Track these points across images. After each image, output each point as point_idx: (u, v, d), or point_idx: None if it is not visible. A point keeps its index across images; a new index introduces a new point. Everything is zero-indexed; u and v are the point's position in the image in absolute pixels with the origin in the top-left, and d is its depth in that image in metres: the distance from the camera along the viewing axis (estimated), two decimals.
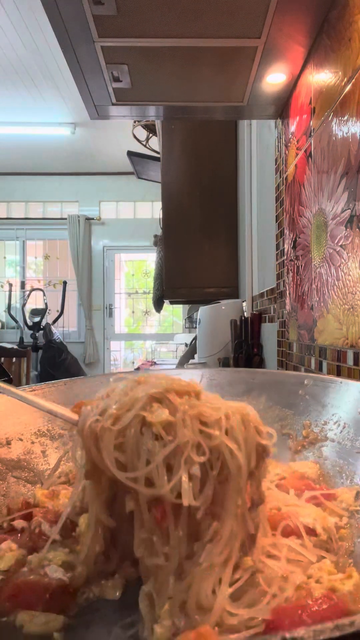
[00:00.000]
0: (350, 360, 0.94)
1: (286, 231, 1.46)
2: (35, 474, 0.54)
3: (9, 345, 3.87)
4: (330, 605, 0.35)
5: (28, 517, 0.48)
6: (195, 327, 2.84)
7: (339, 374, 1.00)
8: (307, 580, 0.38)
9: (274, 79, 1.32)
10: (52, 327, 6.03)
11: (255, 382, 0.60)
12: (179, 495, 0.37)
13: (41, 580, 0.42)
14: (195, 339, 2.81)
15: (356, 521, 0.44)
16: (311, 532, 0.43)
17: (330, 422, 0.53)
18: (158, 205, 3.50)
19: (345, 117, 0.94)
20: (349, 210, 0.92)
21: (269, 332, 1.80)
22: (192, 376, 0.63)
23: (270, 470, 0.51)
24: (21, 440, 0.55)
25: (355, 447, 0.48)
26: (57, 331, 6.15)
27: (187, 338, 4.04)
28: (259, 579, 0.39)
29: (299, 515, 0.43)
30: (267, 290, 1.83)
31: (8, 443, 0.52)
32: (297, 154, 1.32)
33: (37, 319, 5.86)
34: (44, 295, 6.05)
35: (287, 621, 0.34)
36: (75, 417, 0.44)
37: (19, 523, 0.48)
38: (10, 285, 6.33)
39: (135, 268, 7.08)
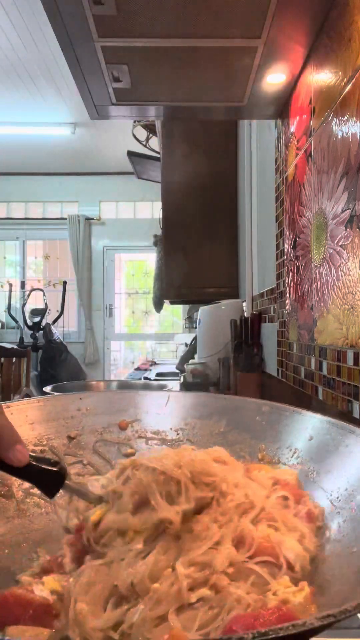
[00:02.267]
0: (350, 360, 0.94)
1: (286, 231, 1.46)
2: (9, 489, 0.55)
3: (9, 345, 3.87)
4: (280, 614, 0.38)
5: None
6: (195, 327, 2.84)
7: (339, 374, 1.00)
8: (261, 597, 0.42)
9: (274, 79, 1.32)
10: (52, 327, 6.02)
11: (217, 406, 0.64)
12: None
13: (27, 595, 0.43)
14: (195, 339, 2.81)
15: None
16: (290, 567, 0.45)
17: (283, 446, 0.57)
18: (158, 205, 3.50)
19: (345, 117, 0.94)
20: (349, 210, 0.92)
21: (269, 332, 1.80)
22: (158, 398, 0.69)
23: (264, 473, 0.53)
24: None
25: (304, 472, 0.53)
26: (57, 331, 6.15)
27: (187, 338, 4.04)
28: (211, 601, 0.42)
29: (283, 547, 0.45)
30: (267, 290, 1.83)
31: None
32: (297, 154, 1.32)
33: (37, 319, 5.86)
34: (44, 295, 6.05)
35: (240, 629, 0.38)
36: None
37: None
38: (10, 285, 6.33)
39: (135, 268, 7.08)
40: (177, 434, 0.65)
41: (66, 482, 0.50)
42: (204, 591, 0.42)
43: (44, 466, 0.49)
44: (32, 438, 0.61)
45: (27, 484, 0.55)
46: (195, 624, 0.40)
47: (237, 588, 0.42)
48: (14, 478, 0.55)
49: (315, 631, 0.28)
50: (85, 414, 0.66)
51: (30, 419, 0.63)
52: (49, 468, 0.49)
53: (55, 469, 0.50)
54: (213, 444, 0.59)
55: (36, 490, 0.52)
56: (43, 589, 0.44)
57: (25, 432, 0.60)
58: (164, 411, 0.68)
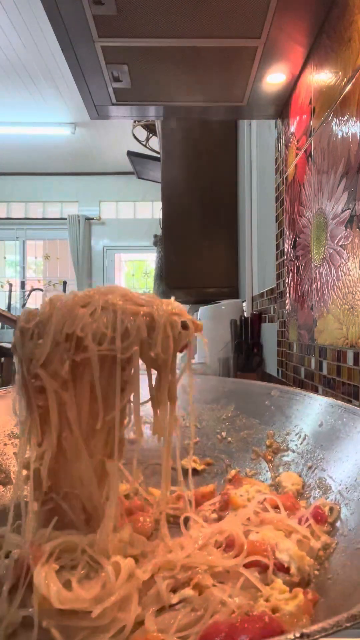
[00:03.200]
0: (350, 360, 0.94)
1: (286, 231, 1.46)
2: (6, 475, 0.54)
3: (9, 345, 3.87)
4: (264, 624, 0.35)
5: None
6: None
7: (339, 374, 1.00)
8: (250, 602, 0.39)
9: (274, 79, 1.32)
10: None
11: (225, 390, 0.61)
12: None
13: None
14: (195, 339, 2.81)
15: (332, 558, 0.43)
16: (284, 569, 0.42)
17: (292, 433, 0.55)
18: (158, 205, 3.50)
19: (345, 117, 0.94)
20: (349, 210, 0.92)
21: (269, 332, 1.80)
22: None
23: (250, 489, 0.51)
24: None
25: (309, 460, 0.51)
26: None
27: None
28: (194, 603, 0.40)
29: (277, 550, 0.43)
30: (267, 290, 1.83)
31: None
32: (297, 154, 1.32)
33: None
34: (44, 295, 6.04)
35: (212, 637, 0.36)
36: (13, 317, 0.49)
37: None
38: (10, 285, 6.33)
39: (135, 268, 7.08)
40: (183, 419, 0.62)
41: None
42: (187, 591, 0.41)
43: None
44: None
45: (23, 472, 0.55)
46: (174, 627, 0.38)
47: (222, 592, 0.40)
48: (11, 465, 0.54)
49: None
50: None
51: None
52: None
53: None
54: (220, 430, 0.57)
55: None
56: None
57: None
58: None
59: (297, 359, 1.35)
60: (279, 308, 1.59)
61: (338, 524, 0.44)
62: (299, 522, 0.46)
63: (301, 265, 1.29)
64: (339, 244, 0.98)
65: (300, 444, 0.53)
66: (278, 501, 0.48)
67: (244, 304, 2.25)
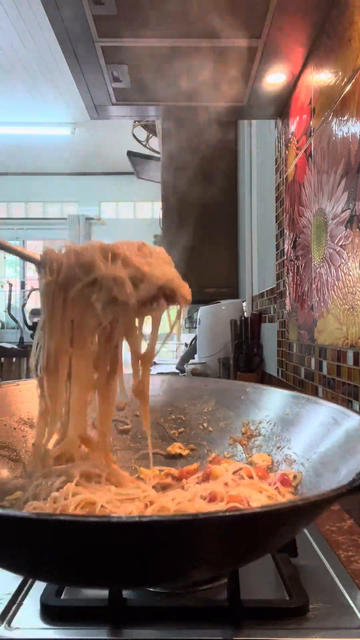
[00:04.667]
0: (350, 360, 0.94)
1: (286, 231, 1.46)
2: (17, 454, 0.65)
3: (9, 345, 3.86)
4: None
5: None
6: (195, 327, 2.84)
7: (339, 374, 1.00)
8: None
9: (274, 79, 1.32)
10: None
11: (207, 388, 0.72)
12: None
13: None
14: (195, 339, 2.81)
15: None
16: None
17: (264, 421, 0.66)
18: (158, 205, 3.50)
19: (345, 117, 0.94)
20: (349, 210, 0.92)
21: (269, 332, 1.80)
22: (156, 381, 0.76)
23: (227, 466, 0.61)
24: (5, 425, 0.67)
25: (278, 442, 0.62)
26: None
27: (187, 338, 4.03)
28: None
29: (251, 501, 0.52)
30: (267, 290, 1.83)
31: None
32: (297, 154, 1.32)
33: (37, 319, 5.84)
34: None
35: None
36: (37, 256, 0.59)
37: None
38: (10, 285, 6.32)
39: None
40: (170, 412, 0.74)
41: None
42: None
43: None
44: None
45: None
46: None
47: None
48: (21, 444, 0.66)
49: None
50: None
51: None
52: None
53: None
54: (202, 421, 0.69)
55: None
56: None
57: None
58: (159, 393, 0.75)
59: (297, 359, 1.35)
60: (279, 308, 1.59)
61: (300, 487, 0.55)
62: (270, 485, 0.56)
63: (301, 265, 1.29)
64: (339, 244, 0.98)
65: (270, 429, 0.65)
66: (251, 470, 0.57)
67: (244, 304, 2.25)
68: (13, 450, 0.66)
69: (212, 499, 0.51)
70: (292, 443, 0.61)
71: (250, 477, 0.57)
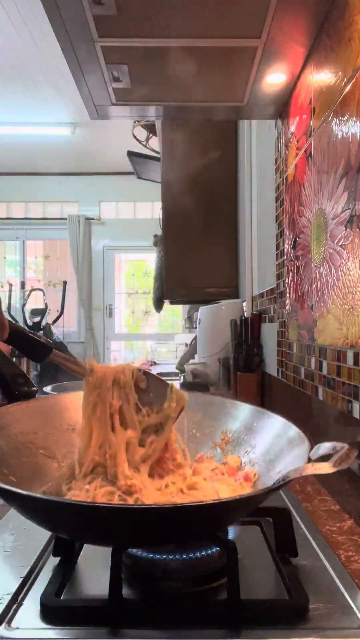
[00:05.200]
0: (350, 360, 0.94)
1: (286, 231, 1.46)
2: (55, 457, 0.76)
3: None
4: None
5: None
6: (195, 327, 2.84)
7: (339, 374, 1.00)
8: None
9: (274, 79, 1.32)
10: (52, 327, 6.02)
11: (197, 403, 0.85)
12: None
13: None
14: (195, 339, 2.81)
15: None
16: None
17: (239, 431, 0.81)
18: (158, 205, 3.50)
19: (345, 117, 0.94)
20: (349, 210, 0.92)
21: (269, 332, 1.80)
22: None
23: (208, 465, 0.77)
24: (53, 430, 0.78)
25: (246, 447, 0.79)
26: (57, 331, 6.14)
27: (187, 338, 4.04)
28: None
29: (220, 492, 0.67)
30: (267, 290, 1.83)
31: (35, 432, 0.75)
32: (297, 154, 1.32)
33: (37, 319, 5.86)
34: (44, 295, 6.05)
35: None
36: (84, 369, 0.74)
37: None
38: (10, 285, 6.33)
39: (135, 268, 7.08)
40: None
41: (54, 351, 0.71)
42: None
43: (33, 336, 0.69)
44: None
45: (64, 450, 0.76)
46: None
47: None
48: (56, 446, 0.74)
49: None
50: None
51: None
52: (37, 339, 0.70)
53: (42, 341, 0.70)
54: (192, 429, 0.84)
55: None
56: None
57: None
58: None
59: (297, 359, 1.35)
60: (279, 308, 1.59)
61: (257, 482, 0.70)
62: (235, 480, 0.72)
63: (301, 265, 1.29)
64: (339, 244, 0.98)
65: (242, 437, 0.80)
66: (224, 469, 0.75)
67: (244, 304, 2.25)
68: (50, 451, 0.75)
69: (190, 488, 0.69)
70: (256, 448, 0.76)
71: (223, 474, 0.74)
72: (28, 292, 6.30)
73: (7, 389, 0.72)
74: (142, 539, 0.56)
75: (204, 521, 0.54)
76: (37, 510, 0.55)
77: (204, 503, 0.56)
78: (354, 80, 0.90)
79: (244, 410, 0.84)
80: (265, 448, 0.74)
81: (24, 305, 6.13)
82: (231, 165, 2.69)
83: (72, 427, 0.79)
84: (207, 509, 0.52)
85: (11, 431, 0.70)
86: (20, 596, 0.57)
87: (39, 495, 0.58)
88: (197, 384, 2.23)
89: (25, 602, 0.56)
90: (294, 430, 0.70)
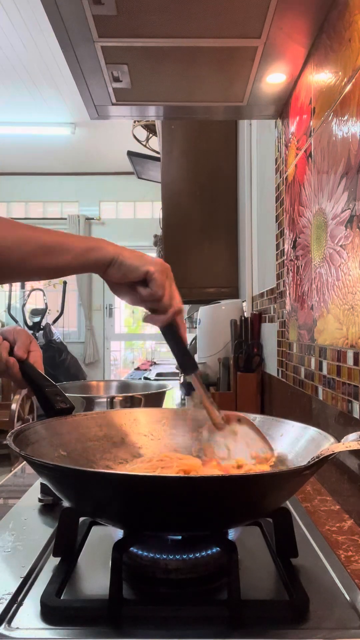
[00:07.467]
0: (350, 360, 0.94)
1: (286, 231, 1.46)
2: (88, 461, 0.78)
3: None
4: None
5: None
6: (195, 327, 2.84)
7: (339, 374, 1.00)
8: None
9: (274, 79, 1.32)
10: (52, 327, 6.02)
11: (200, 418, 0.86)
12: None
13: None
14: (195, 339, 2.81)
15: None
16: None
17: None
18: (158, 205, 3.50)
19: (345, 117, 0.94)
20: (349, 210, 0.92)
21: (269, 332, 1.80)
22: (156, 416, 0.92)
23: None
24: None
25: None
26: (57, 331, 6.14)
27: (187, 338, 4.03)
28: None
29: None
30: (267, 290, 1.83)
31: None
32: (297, 154, 1.32)
33: (37, 319, 5.86)
34: (44, 295, 6.05)
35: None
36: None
37: None
38: (10, 285, 6.33)
39: None
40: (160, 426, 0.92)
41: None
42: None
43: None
44: None
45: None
46: None
47: None
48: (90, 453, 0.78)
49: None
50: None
51: None
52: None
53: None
54: (189, 439, 0.87)
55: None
56: None
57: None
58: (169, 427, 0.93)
59: (297, 359, 1.35)
60: (279, 308, 1.59)
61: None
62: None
63: (301, 265, 1.29)
64: (339, 244, 0.98)
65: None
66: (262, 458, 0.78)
67: (244, 304, 2.25)
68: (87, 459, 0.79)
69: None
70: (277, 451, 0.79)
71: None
72: (28, 292, 6.30)
73: (49, 405, 0.76)
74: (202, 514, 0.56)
75: (267, 490, 0.57)
76: (115, 485, 0.55)
77: (271, 472, 0.65)
78: (354, 80, 0.90)
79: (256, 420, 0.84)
80: (289, 450, 0.76)
81: (24, 305, 6.13)
82: (231, 165, 2.69)
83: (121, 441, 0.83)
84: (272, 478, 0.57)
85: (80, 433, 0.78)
86: (20, 596, 0.57)
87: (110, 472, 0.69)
88: None
89: (25, 602, 0.56)
90: (312, 430, 0.73)
